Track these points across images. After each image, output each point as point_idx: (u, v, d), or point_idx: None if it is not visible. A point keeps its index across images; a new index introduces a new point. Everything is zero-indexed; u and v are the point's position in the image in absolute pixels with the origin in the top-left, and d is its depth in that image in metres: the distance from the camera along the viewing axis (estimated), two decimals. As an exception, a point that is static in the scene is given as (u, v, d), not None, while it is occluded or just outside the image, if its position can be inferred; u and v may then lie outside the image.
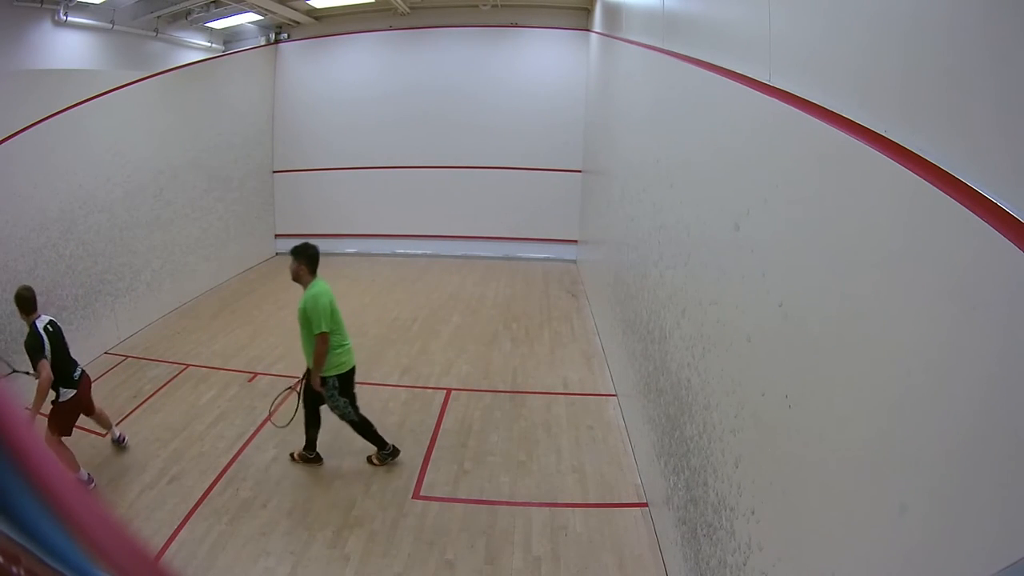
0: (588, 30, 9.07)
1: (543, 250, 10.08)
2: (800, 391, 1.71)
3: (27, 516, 0.35)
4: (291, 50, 10.17)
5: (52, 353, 3.77)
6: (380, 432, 4.12)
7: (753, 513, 1.98)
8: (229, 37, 9.71)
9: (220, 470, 4.10)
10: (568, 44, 9.49)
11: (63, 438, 3.88)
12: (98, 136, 6.30)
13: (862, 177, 1.42)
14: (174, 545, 3.39)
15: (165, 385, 5.46)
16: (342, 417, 4.02)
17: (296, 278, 3.82)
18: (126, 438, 4.43)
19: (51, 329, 3.85)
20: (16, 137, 5.24)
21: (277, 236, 10.49)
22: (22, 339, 5.26)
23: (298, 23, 9.77)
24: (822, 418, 1.57)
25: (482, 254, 10.13)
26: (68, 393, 3.89)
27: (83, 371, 4.08)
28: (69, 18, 6.40)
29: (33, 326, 3.78)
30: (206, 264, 8.31)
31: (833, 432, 1.51)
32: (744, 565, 2.03)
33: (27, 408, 3.69)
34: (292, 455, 4.22)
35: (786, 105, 1.82)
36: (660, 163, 3.66)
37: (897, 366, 1.26)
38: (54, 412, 3.88)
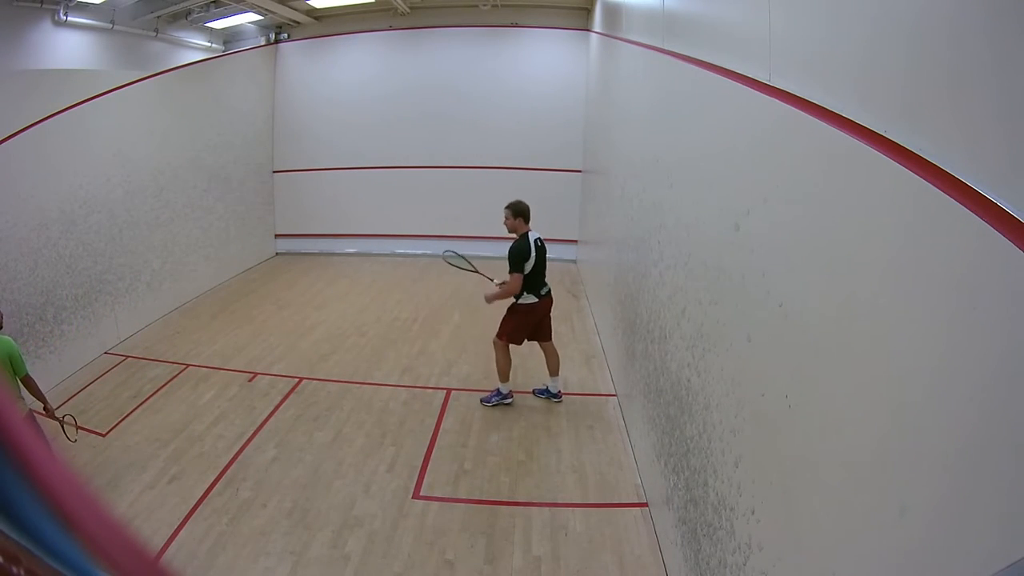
0: (588, 30, 9.07)
1: (543, 250, 10.07)
2: (800, 391, 1.71)
3: (27, 516, 0.35)
4: (291, 50, 10.17)
5: (534, 265, 4.41)
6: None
7: (753, 513, 1.98)
8: (229, 37, 9.72)
9: (220, 470, 4.10)
10: (568, 44, 9.49)
11: (511, 346, 4.46)
12: (98, 136, 6.30)
13: (862, 177, 1.42)
14: (174, 545, 3.39)
15: (165, 385, 5.46)
16: None
17: None
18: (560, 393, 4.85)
19: (539, 245, 4.52)
20: (16, 137, 5.24)
21: (277, 236, 10.50)
22: (22, 339, 5.27)
23: (298, 23, 9.78)
24: (822, 418, 1.57)
25: (483, 254, 10.10)
26: (530, 298, 4.39)
27: (550, 293, 4.64)
28: (69, 18, 6.41)
29: (525, 237, 4.46)
30: (206, 264, 8.31)
31: (833, 432, 1.51)
32: (744, 565, 2.02)
33: (496, 287, 4.48)
34: None
35: (786, 105, 1.82)
36: (660, 163, 3.65)
37: (897, 366, 1.26)
38: (510, 313, 4.39)
